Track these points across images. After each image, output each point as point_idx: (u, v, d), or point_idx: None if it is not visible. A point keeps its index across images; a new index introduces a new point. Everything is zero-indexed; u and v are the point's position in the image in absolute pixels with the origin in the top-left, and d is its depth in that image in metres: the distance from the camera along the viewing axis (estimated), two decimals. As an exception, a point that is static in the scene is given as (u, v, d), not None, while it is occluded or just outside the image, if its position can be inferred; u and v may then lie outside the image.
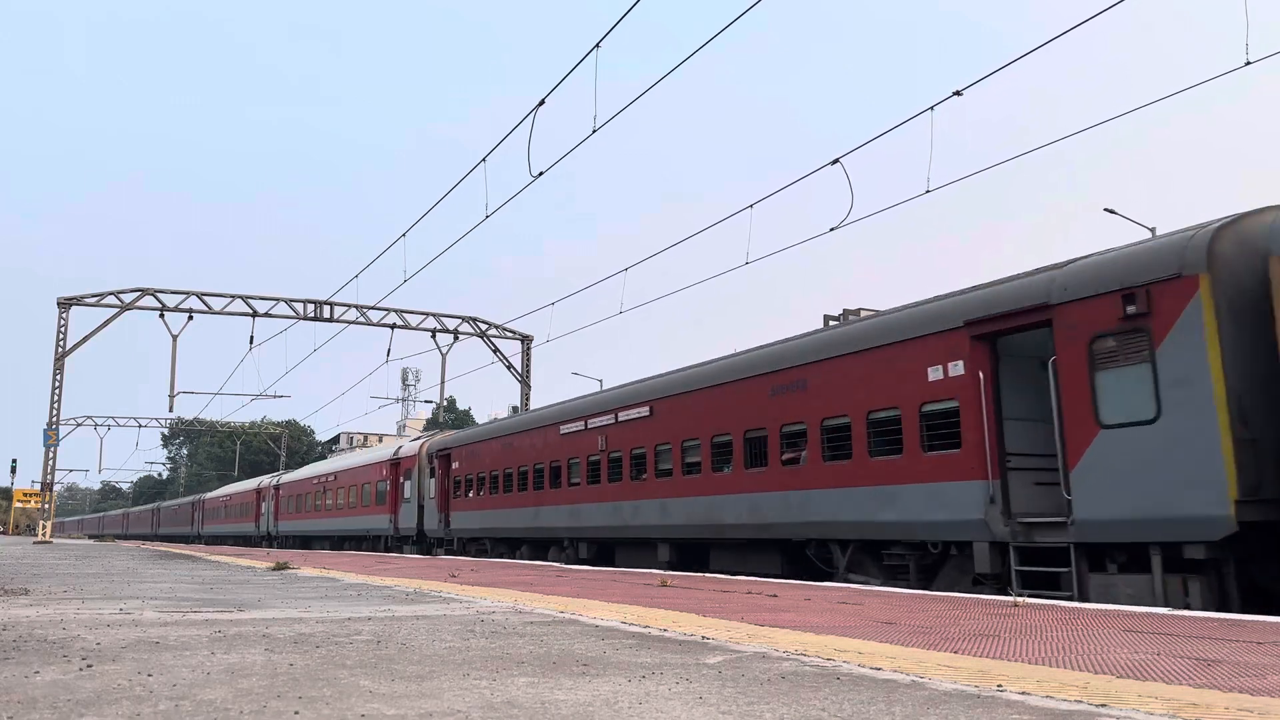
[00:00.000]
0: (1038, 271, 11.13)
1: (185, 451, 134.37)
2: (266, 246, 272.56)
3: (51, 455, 37.45)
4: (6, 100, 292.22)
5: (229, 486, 66.04)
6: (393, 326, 39.02)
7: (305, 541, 43.64)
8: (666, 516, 17.31)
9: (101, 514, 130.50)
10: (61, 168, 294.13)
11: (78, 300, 36.19)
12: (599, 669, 4.38)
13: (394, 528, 31.38)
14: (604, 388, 24.12)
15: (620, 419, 18.91)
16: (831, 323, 16.81)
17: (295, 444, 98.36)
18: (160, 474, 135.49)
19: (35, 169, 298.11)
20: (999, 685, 3.92)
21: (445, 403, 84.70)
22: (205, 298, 36.90)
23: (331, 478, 39.39)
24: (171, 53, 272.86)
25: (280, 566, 16.00)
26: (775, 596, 9.13)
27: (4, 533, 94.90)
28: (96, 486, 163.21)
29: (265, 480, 52.99)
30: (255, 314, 37.28)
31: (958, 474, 11.34)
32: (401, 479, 31.15)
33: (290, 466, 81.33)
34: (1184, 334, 9.22)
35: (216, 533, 62.16)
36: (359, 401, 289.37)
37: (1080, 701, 3.56)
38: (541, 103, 16.94)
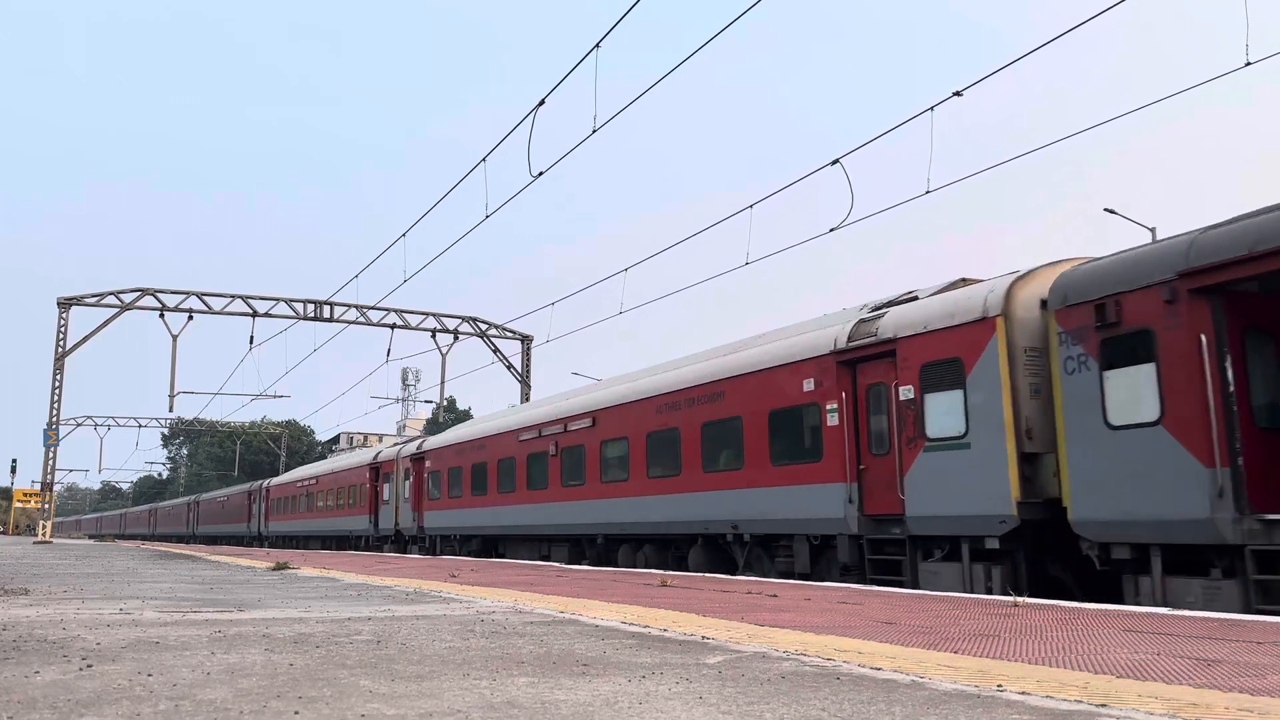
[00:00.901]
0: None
1: (185, 451, 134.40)
2: (266, 246, 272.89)
3: (51, 455, 37.46)
4: (6, 100, 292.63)
5: (316, 465, 46.77)
6: (393, 326, 39.03)
7: (490, 546, 24.40)
8: None
9: (123, 511, 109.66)
10: (61, 168, 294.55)
11: (78, 300, 36.19)
12: (599, 669, 4.38)
13: (857, 509, 13.02)
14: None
15: None
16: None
17: (295, 444, 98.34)
18: (160, 474, 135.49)
19: (35, 169, 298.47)
20: (999, 685, 3.92)
21: (445, 403, 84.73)
22: (205, 298, 36.91)
23: (584, 424, 19.79)
24: (171, 53, 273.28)
25: (280, 566, 16.00)
26: (775, 596, 9.13)
27: (4, 533, 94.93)
28: (96, 486, 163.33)
29: (387, 451, 32.92)
30: (255, 314, 37.28)
31: None
32: (923, 397, 12.18)
33: (291, 467, 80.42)
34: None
35: (294, 531, 43.37)
36: (359, 401, 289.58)
37: (1080, 701, 3.56)
38: (541, 103, 16.94)
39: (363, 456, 35.70)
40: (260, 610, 7.54)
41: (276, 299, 37.76)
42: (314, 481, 40.61)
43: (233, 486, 64.38)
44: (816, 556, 13.88)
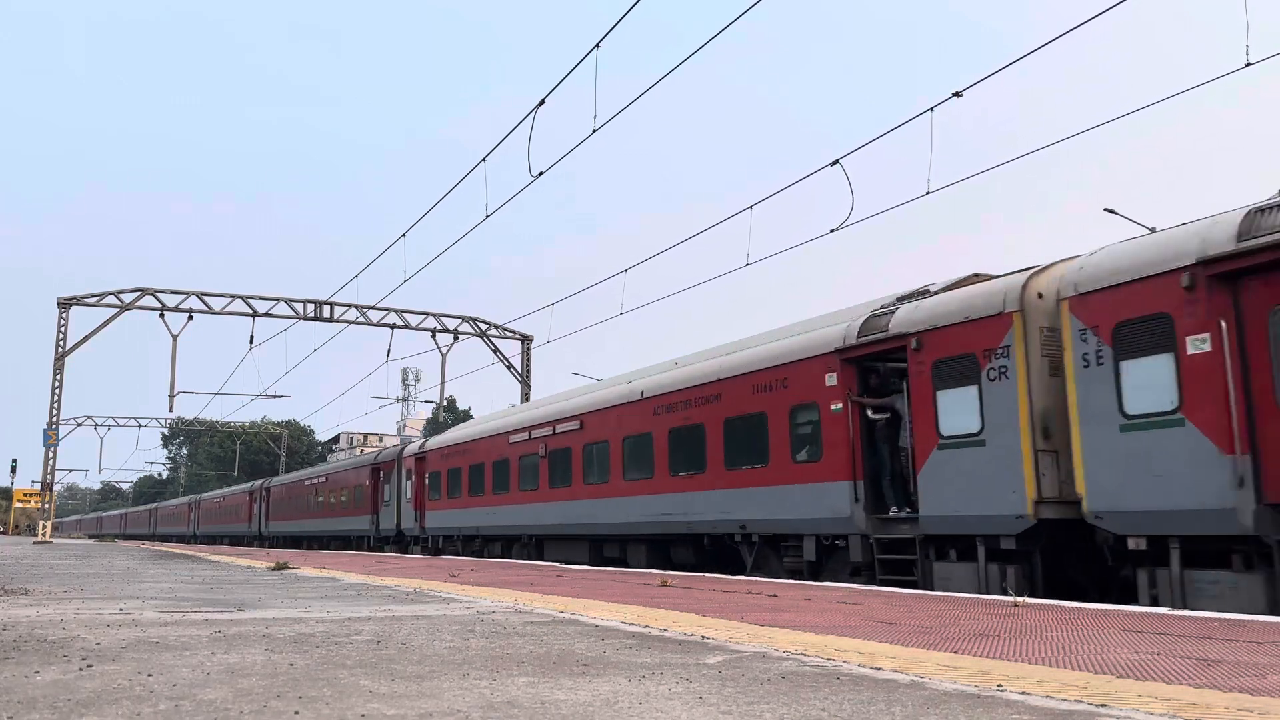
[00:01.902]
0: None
1: (185, 451, 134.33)
2: (266, 246, 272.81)
3: (51, 455, 37.45)
4: (6, 100, 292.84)
5: (559, 401, 21.59)
6: (393, 326, 39.02)
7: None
8: None
9: (154, 506, 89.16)
10: (62, 168, 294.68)
11: (78, 300, 36.19)
12: (599, 669, 4.38)
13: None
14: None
15: None
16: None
17: (295, 444, 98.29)
18: (160, 474, 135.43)
19: (35, 169, 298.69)
20: (999, 685, 3.92)
21: (445, 403, 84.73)
22: (205, 298, 36.90)
23: None
24: (171, 53, 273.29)
25: (280, 566, 16.00)
26: (775, 596, 9.13)
27: (4, 533, 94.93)
28: (96, 486, 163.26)
29: (824, 332, 13.43)
30: (255, 314, 37.27)
31: None
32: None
33: (291, 467, 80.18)
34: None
35: (496, 527, 23.12)
36: (359, 401, 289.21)
37: (1080, 701, 3.56)
38: (541, 103, 16.94)
39: (779, 348, 14.68)
40: (260, 610, 7.54)
41: (276, 299, 37.76)
42: (579, 425, 19.55)
43: (342, 460, 43.34)
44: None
